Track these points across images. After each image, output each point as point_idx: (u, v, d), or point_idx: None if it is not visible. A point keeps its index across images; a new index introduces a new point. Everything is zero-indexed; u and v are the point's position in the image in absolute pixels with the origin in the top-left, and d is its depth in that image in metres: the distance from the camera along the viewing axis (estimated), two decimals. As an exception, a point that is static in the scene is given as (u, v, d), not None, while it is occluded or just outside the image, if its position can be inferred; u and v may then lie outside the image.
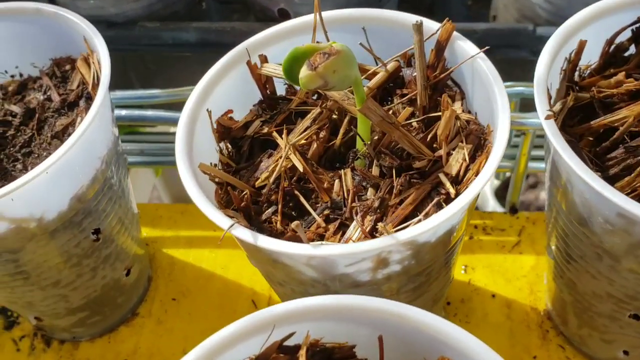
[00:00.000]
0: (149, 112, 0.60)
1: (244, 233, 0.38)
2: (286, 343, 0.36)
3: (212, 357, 0.34)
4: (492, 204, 1.03)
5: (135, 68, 0.75)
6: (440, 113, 0.44)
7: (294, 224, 0.38)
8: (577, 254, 0.45)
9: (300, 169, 0.43)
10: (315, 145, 0.46)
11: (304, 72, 0.38)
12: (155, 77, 0.76)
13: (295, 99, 0.49)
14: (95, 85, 0.49)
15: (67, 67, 0.53)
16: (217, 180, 0.45)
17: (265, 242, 0.38)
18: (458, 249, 0.46)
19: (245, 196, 0.43)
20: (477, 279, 0.60)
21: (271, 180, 0.44)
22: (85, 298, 0.55)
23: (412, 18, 0.47)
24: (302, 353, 0.34)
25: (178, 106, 0.47)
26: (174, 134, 0.45)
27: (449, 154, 0.42)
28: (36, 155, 0.49)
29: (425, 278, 0.44)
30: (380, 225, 0.38)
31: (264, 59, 0.48)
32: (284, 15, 0.64)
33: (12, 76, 0.56)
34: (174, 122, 0.58)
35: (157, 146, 0.69)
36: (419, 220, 0.39)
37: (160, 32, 0.65)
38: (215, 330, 0.43)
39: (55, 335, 0.60)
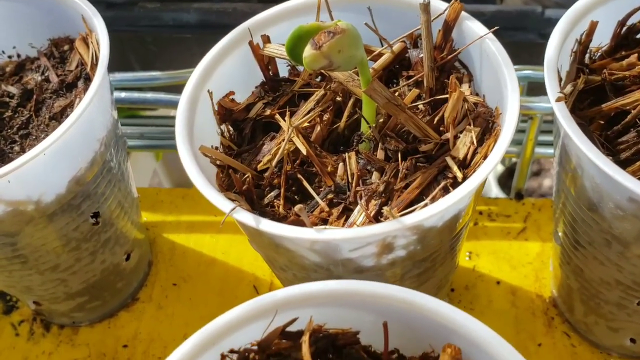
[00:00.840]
0: (149, 95, 0.59)
1: (245, 217, 0.37)
2: (289, 329, 0.35)
3: (214, 342, 0.33)
4: (495, 191, 1.02)
5: (135, 50, 0.74)
6: (447, 95, 0.43)
7: (297, 208, 0.37)
8: (585, 240, 0.44)
9: (304, 152, 0.42)
10: (318, 128, 0.45)
11: (307, 51, 0.37)
12: (156, 59, 0.75)
13: (298, 81, 0.48)
14: (94, 65, 0.48)
15: (66, 47, 0.52)
16: (218, 163, 0.44)
17: (268, 225, 0.37)
18: (464, 234, 0.45)
19: (247, 179, 0.42)
20: (482, 266, 0.59)
21: (274, 163, 0.43)
22: (85, 282, 0.54)
23: (416, -3, 0.46)
24: (305, 339, 0.33)
25: (178, 89, 0.46)
26: (174, 117, 0.44)
27: (456, 137, 0.41)
28: (34, 137, 0.48)
29: (431, 264, 0.43)
30: (385, 209, 0.37)
31: (266, 39, 0.47)
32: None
33: (10, 57, 0.55)
34: (174, 104, 0.57)
35: (158, 129, 0.68)
36: (425, 205, 0.38)
37: (160, 12, 0.64)
38: (217, 316, 0.43)
39: (54, 320, 0.60)
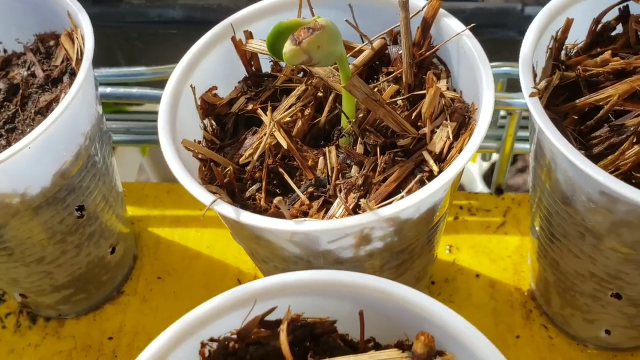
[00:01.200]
0: (134, 90, 0.59)
1: (226, 209, 0.38)
2: (268, 318, 0.36)
3: (193, 330, 0.34)
4: (480, 187, 1.03)
5: (121, 46, 0.74)
6: (425, 91, 0.44)
7: (276, 200, 0.38)
8: (560, 233, 0.46)
9: (285, 145, 0.43)
10: (300, 122, 0.45)
11: (287, 46, 0.38)
12: (142, 55, 0.75)
13: (280, 76, 0.48)
14: (79, 60, 0.49)
15: (52, 42, 0.53)
16: (200, 156, 0.45)
17: (248, 217, 0.38)
18: (441, 227, 0.46)
19: (229, 172, 0.43)
20: (462, 259, 0.60)
21: (255, 157, 0.44)
22: (70, 275, 0.55)
23: (396, -5, 0.46)
24: (283, 328, 0.34)
25: (164, 84, 0.47)
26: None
27: (433, 132, 0.42)
28: (20, 132, 0.49)
29: (408, 256, 0.44)
30: (362, 201, 0.38)
31: (249, 35, 0.48)
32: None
33: (-4, 52, 0.55)
34: (160, 100, 0.58)
35: (143, 125, 0.69)
36: (402, 197, 0.39)
37: (146, 9, 0.64)
38: None
39: (40, 312, 0.60)
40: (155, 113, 0.70)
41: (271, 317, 0.36)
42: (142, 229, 0.66)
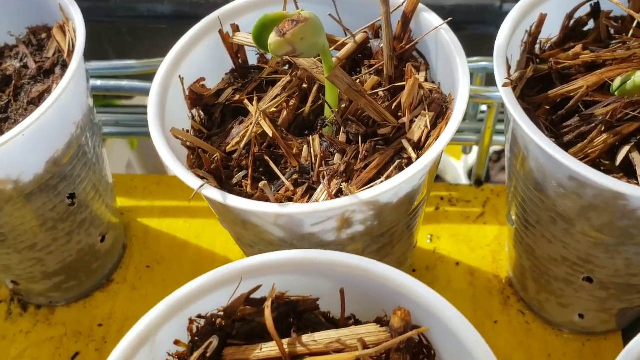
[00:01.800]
0: (124, 82, 0.61)
1: (213, 193, 0.40)
2: (253, 295, 0.37)
3: (182, 307, 0.36)
4: (464, 182, 1.06)
5: (111, 41, 0.76)
6: (405, 83, 0.46)
7: (261, 184, 0.40)
8: (534, 219, 0.48)
9: (270, 134, 0.45)
10: (285, 112, 0.47)
11: (272, 38, 0.40)
12: (132, 50, 0.76)
13: (266, 68, 0.50)
14: (71, 52, 0.50)
15: (44, 35, 0.54)
16: (189, 144, 0.46)
17: (235, 201, 0.39)
18: (420, 214, 0.48)
19: (216, 159, 0.45)
20: (442, 248, 0.62)
21: (242, 145, 0.45)
22: (61, 262, 0.56)
23: (379, -9, 0.48)
24: (268, 304, 0.36)
25: (153, 77, 0.48)
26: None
27: (412, 122, 0.44)
28: (13, 121, 0.50)
29: (388, 239, 0.46)
30: (344, 185, 0.39)
31: (235, 28, 0.50)
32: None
33: (-12, 44, 0.57)
34: (149, 91, 0.59)
35: (133, 117, 0.70)
36: (381, 182, 0.40)
37: (135, 4, 0.66)
38: None
39: (31, 300, 0.61)
40: (144, 107, 0.71)
41: (256, 295, 0.37)
42: (131, 219, 0.67)
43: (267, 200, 0.41)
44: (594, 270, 0.47)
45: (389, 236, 0.45)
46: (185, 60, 0.48)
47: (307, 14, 0.40)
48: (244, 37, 0.49)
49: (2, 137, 0.43)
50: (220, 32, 0.49)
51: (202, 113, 0.50)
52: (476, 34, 0.66)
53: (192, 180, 0.40)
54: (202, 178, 0.42)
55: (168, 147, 0.43)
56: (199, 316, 0.37)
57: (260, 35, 0.41)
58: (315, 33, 0.41)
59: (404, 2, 0.47)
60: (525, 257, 0.52)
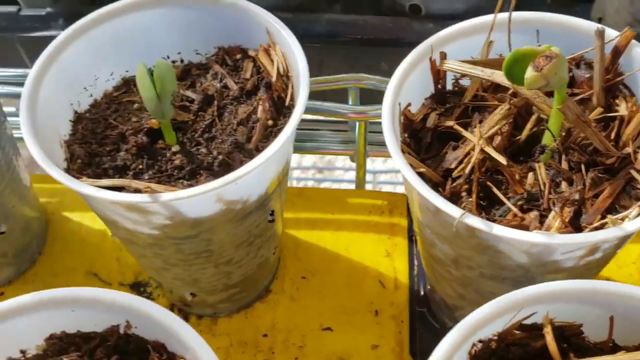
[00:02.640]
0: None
1: (475, 221, 0.42)
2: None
3: (474, 332, 0.38)
4: None
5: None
6: (617, 113, 0.48)
7: (532, 214, 0.42)
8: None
9: (503, 161, 0.46)
10: (499, 138, 0.49)
11: (529, 72, 0.42)
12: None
13: (467, 93, 0.52)
14: (280, 76, 0.52)
15: (238, 56, 0.56)
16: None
17: (501, 230, 0.41)
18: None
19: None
20: None
21: (467, 170, 0.47)
22: (243, 275, 0.58)
23: (584, 23, 0.51)
24: (548, 330, 0.38)
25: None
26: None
27: (635, 152, 0.46)
28: (220, 141, 0.51)
29: (603, 262, 0.48)
30: (609, 217, 0.42)
31: (443, 56, 0.52)
32: (415, 12, 0.67)
33: (174, 62, 0.58)
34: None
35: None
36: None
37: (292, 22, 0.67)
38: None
39: (193, 310, 0.63)
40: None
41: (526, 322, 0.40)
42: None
43: (523, 227, 0.43)
44: None
45: (603, 259, 0.48)
46: (403, 86, 0.50)
47: (557, 50, 0.43)
48: (457, 65, 0.51)
49: (251, 162, 0.45)
50: (430, 59, 0.51)
51: (406, 136, 0.52)
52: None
53: (452, 210, 0.42)
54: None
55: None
56: (480, 340, 0.39)
57: (511, 68, 0.43)
58: (565, 68, 0.43)
59: (617, 37, 0.49)
60: None
